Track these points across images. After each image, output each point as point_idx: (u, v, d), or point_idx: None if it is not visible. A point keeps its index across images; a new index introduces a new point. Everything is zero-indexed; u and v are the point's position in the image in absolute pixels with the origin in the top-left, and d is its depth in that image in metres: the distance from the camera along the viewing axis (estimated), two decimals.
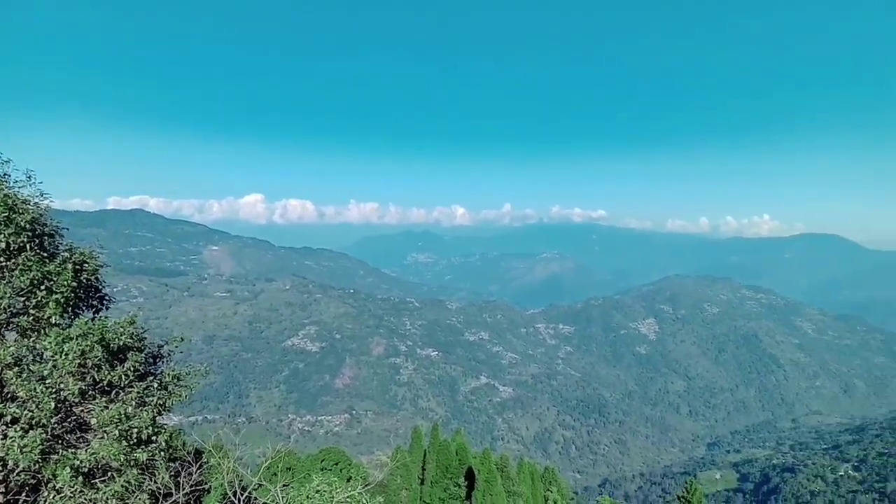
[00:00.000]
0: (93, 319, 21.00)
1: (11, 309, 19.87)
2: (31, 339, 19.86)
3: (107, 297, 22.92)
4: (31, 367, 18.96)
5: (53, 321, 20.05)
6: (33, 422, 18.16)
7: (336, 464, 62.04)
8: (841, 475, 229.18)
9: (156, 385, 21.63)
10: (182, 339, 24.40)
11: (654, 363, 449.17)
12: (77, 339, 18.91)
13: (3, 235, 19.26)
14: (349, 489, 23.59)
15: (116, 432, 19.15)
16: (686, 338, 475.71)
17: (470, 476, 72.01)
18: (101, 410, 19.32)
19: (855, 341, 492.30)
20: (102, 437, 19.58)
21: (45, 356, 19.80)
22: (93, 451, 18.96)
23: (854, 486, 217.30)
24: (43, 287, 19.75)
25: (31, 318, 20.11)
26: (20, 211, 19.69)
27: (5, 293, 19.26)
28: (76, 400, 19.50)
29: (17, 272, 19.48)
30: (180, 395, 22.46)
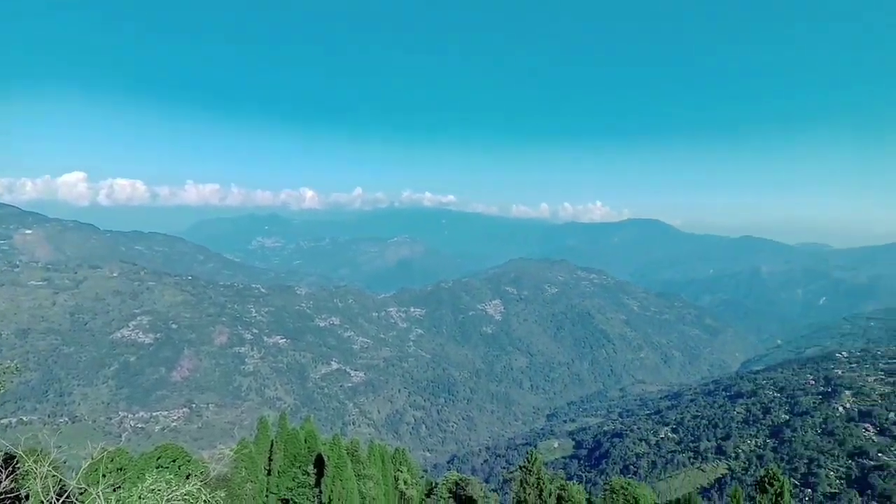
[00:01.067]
0: None
1: None
2: None
3: None
4: None
5: None
6: None
7: (174, 461, 54.44)
8: (662, 437, 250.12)
9: None
10: None
11: (499, 342, 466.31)
12: None
13: None
14: (187, 485, 21.89)
15: None
16: (529, 317, 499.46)
17: (320, 463, 70.32)
18: None
19: (673, 316, 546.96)
20: None
21: None
22: None
23: (672, 446, 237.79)
24: None
25: None
26: None
27: None
28: None
29: None
30: None
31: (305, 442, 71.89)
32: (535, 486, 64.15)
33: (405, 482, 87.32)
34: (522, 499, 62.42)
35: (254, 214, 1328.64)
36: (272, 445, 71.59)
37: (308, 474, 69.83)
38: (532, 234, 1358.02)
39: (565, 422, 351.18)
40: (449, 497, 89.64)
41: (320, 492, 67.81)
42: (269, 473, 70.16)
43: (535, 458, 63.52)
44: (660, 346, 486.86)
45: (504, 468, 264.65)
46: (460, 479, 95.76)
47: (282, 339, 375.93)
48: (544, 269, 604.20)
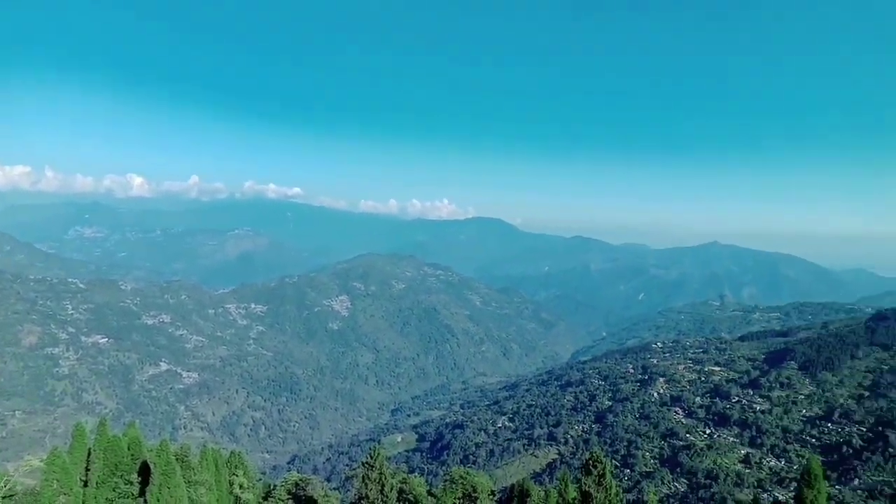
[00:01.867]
0: None
1: None
2: None
3: None
4: None
5: None
6: None
7: None
8: (499, 426, 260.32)
9: None
10: None
11: (346, 338, 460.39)
12: None
13: None
14: None
15: None
16: (376, 313, 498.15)
17: (145, 471, 64.23)
18: None
19: (512, 311, 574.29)
20: None
21: None
22: None
23: (509, 434, 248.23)
24: None
25: None
26: None
27: None
28: None
29: None
30: None
31: (129, 449, 65.16)
32: (378, 481, 63.08)
33: (241, 486, 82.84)
34: (364, 495, 61.20)
35: (72, 202, 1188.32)
36: (89, 454, 63.90)
37: (131, 483, 63.60)
38: (380, 229, 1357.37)
39: (409, 416, 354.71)
40: (288, 498, 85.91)
41: (145, 501, 61.70)
42: (85, 485, 62.77)
43: (378, 454, 62.82)
44: (500, 340, 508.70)
45: (347, 466, 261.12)
46: (300, 480, 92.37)
47: (103, 338, 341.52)
48: (392, 264, 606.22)
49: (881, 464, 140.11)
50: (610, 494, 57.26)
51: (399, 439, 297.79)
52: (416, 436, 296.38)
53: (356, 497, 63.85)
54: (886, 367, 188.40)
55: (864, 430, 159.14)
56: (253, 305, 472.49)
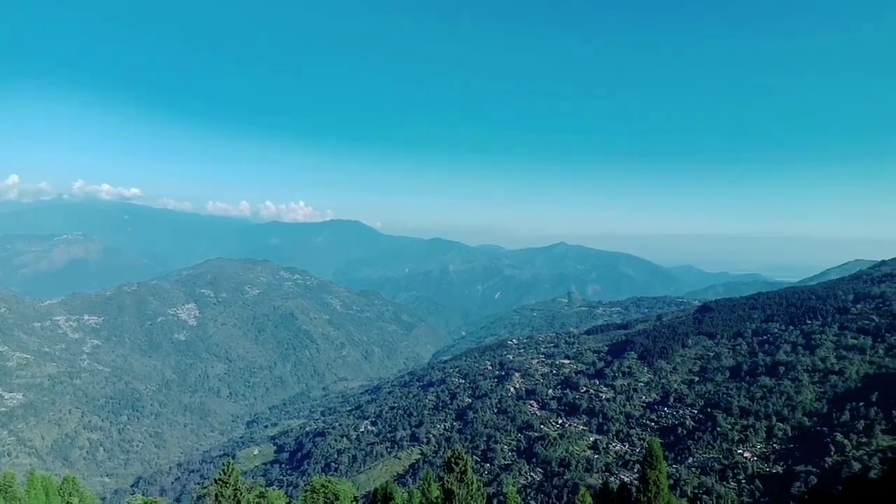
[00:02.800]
0: None
1: None
2: None
3: None
4: None
5: None
6: None
7: None
8: (362, 431, 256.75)
9: None
10: None
11: (194, 349, 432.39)
12: None
13: None
14: None
15: None
16: (227, 321, 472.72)
17: None
18: None
19: (373, 313, 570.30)
20: None
21: None
22: None
23: (372, 438, 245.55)
24: None
25: None
26: None
27: None
28: None
29: None
30: None
31: None
32: (232, 498, 58.93)
33: None
34: None
35: None
36: None
37: None
38: (232, 233, 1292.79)
39: (266, 427, 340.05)
40: None
41: None
42: None
43: (231, 469, 59.46)
44: (361, 343, 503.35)
45: (198, 484, 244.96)
46: (146, 502, 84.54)
47: None
48: (245, 269, 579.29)
49: (711, 442, 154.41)
50: (472, 490, 57.63)
51: (256, 452, 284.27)
52: (275, 447, 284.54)
53: None
54: (712, 354, 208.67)
55: (696, 412, 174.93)
56: (86, 317, 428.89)
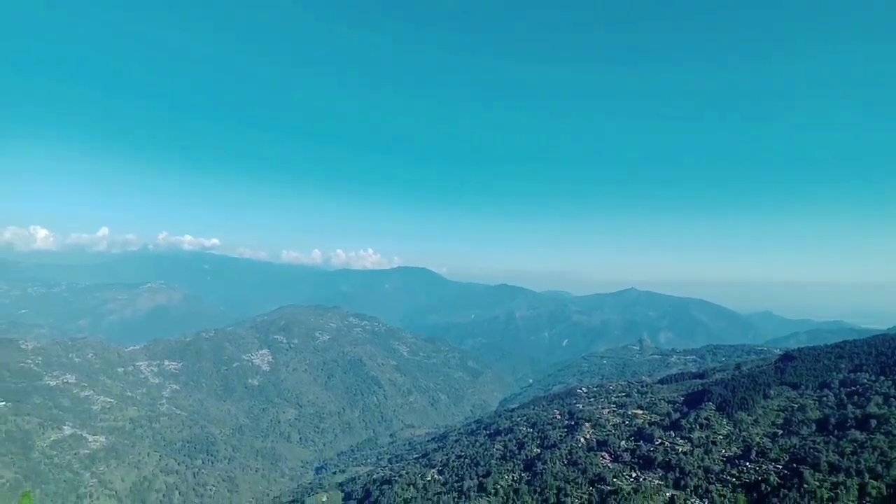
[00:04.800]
0: None
1: None
2: None
3: None
4: None
5: None
6: None
7: None
8: (429, 480, 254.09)
9: None
10: None
11: (266, 394, 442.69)
12: None
13: None
14: None
15: None
16: (298, 366, 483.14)
17: None
18: None
19: (439, 360, 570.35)
20: None
21: None
22: None
23: (438, 487, 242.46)
24: None
25: None
26: None
27: None
28: None
29: None
30: None
31: None
32: None
33: None
34: None
35: None
36: None
37: None
38: (304, 280, 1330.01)
39: (335, 473, 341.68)
40: None
41: None
42: None
43: None
44: (427, 390, 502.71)
45: None
46: None
47: (0, 402, 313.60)
48: (316, 315, 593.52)
49: (798, 500, 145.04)
50: None
51: (324, 498, 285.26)
52: (342, 493, 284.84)
53: None
54: (796, 406, 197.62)
55: (780, 467, 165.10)
56: (166, 362, 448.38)
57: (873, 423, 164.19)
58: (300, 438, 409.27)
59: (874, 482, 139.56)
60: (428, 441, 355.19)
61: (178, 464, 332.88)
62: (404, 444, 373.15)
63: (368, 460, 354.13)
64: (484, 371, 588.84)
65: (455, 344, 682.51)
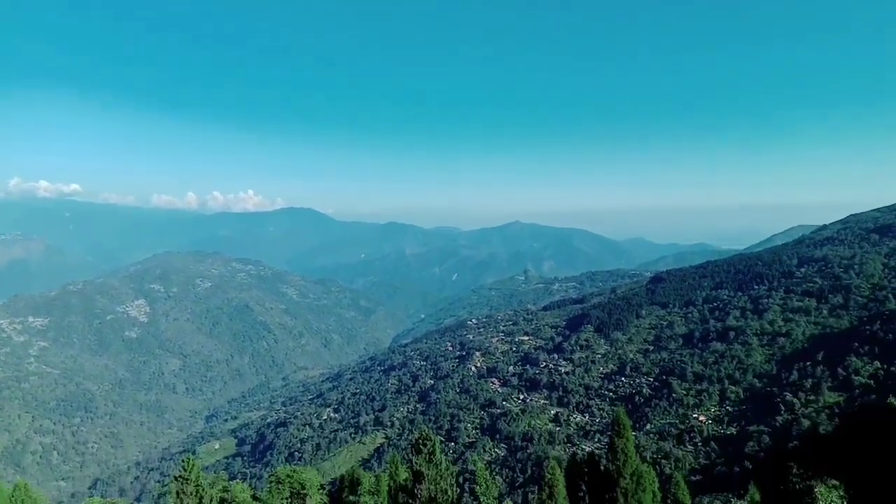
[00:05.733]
0: None
1: None
2: None
3: None
4: None
5: None
6: None
7: None
8: (325, 419, 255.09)
9: None
10: None
11: (147, 346, 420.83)
12: None
13: None
14: None
15: None
16: (180, 316, 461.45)
17: None
18: None
19: (330, 301, 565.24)
20: None
21: None
22: None
23: (335, 425, 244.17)
24: None
25: None
26: None
27: None
28: None
29: None
30: None
31: None
32: (194, 494, 57.40)
33: None
34: None
35: None
36: None
37: None
38: (179, 226, 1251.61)
39: (226, 420, 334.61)
40: None
41: None
42: None
43: (192, 465, 57.95)
44: (320, 331, 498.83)
45: (158, 482, 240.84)
46: None
47: None
48: (195, 262, 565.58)
49: (667, 408, 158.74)
50: (441, 470, 57.39)
51: (217, 446, 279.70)
52: (236, 440, 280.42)
53: None
54: (665, 323, 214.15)
55: (652, 379, 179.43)
56: (31, 319, 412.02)
57: (732, 334, 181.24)
58: (187, 389, 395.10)
59: (733, 387, 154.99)
60: (322, 381, 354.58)
61: (55, 423, 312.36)
62: (298, 387, 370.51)
63: (261, 405, 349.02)
64: (376, 309, 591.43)
65: (346, 284, 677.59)
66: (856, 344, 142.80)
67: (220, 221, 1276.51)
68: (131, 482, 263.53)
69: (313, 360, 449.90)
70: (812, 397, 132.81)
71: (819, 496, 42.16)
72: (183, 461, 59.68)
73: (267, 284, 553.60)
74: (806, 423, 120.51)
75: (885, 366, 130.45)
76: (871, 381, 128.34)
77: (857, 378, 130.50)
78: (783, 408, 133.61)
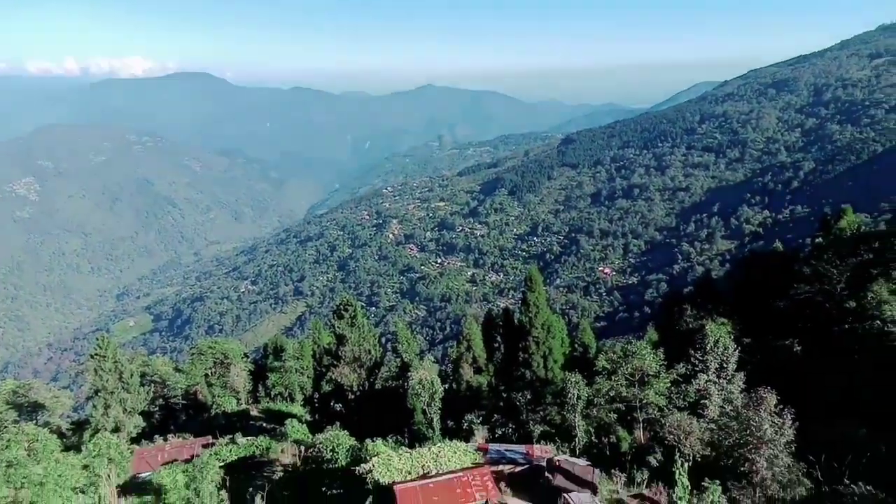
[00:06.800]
0: None
1: None
2: None
3: None
4: None
5: None
6: None
7: None
8: (243, 291, 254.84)
9: None
10: None
11: (42, 226, 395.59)
12: None
13: None
14: None
15: None
16: (75, 193, 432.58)
17: None
18: None
19: (238, 173, 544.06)
20: None
21: None
22: None
23: (254, 297, 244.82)
24: None
25: None
26: None
27: None
28: None
29: None
30: None
31: None
32: (113, 370, 57.41)
33: None
34: (101, 387, 55.76)
35: None
36: None
37: None
38: (61, 95, 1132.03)
39: (139, 298, 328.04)
40: (7, 408, 73.34)
41: None
42: None
43: (107, 342, 57.62)
44: (229, 205, 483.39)
45: (74, 361, 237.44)
46: (19, 387, 79.35)
47: None
48: (85, 135, 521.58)
49: (575, 263, 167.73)
50: (363, 332, 59.30)
51: (132, 324, 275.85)
52: (151, 317, 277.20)
53: (92, 391, 58.03)
54: (575, 183, 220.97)
55: (562, 237, 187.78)
56: None
57: (636, 191, 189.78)
58: (92, 268, 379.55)
59: (636, 241, 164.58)
60: (237, 255, 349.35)
61: None
62: (211, 262, 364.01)
63: (174, 281, 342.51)
64: (287, 180, 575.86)
65: (253, 155, 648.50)
66: (748, 195, 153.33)
67: (106, 89, 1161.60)
68: (45, 363, 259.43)
69: (225, 235, 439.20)
70: (706, 246, 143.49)
71: (709, 333, 45.91)
72: (97, 339, 58.65)
73: (167, 157, 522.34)
74: (700, 269, 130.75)
75: (773, 214, 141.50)
76: (760, 229, 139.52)
77: (747, 226, 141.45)
78: (680, 257, 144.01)
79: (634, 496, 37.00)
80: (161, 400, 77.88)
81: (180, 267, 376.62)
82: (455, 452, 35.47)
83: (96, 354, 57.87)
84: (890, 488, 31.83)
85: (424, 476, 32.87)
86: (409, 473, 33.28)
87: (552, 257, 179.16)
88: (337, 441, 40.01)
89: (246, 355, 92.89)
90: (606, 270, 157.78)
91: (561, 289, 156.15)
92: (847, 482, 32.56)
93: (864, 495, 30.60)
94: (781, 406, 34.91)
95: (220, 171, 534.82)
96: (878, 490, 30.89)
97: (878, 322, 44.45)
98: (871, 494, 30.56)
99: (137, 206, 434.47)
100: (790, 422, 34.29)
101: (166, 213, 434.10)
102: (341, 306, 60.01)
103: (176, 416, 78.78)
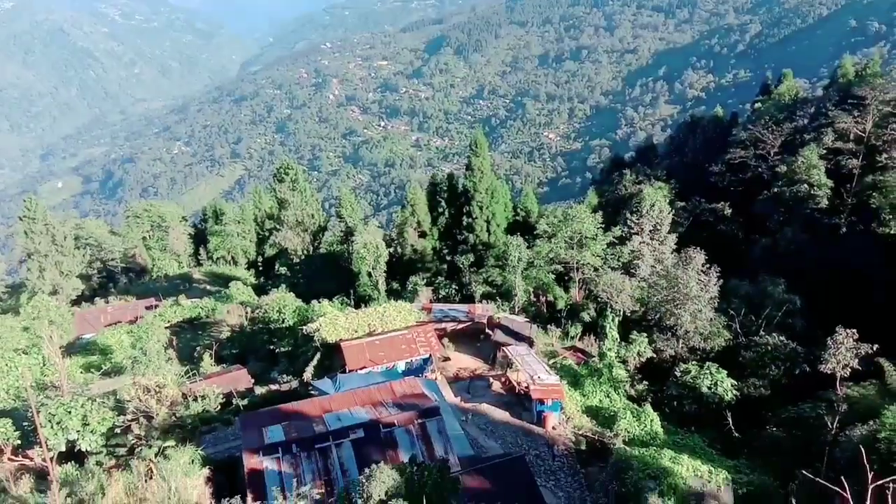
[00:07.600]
0: None
1: None
2: None
3: None
4: None
5: None
6: None
7: None
8: (176, 153, 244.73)
9: None
10: None
11: None
12: None
13: None
14: None
15: None
16: None
17: None
18: None
19: (162, 23, 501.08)
20: None
21: None
22: None
23: (189, 159, 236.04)
24: None
25: None
26: None
27: None
28: None
29: None
30: None
31: None
32: (45, 232, 57.12)
33: None
34: (34, 250, 56.24)
35: None
36: None
37: None
38: None
39: (65, 158, 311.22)
40: None
41: None
42: None
43: (36, 204, 58.55)
44: (154, 58, 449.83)
45: (2, 224, 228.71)
46: None
47: None
48: None
49: (521, 128, 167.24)
50: (305, 196, 58.98)
51: (60, 185, 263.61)
52: (81, 178, 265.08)
53: (25, 255, 59.80)
54: (523, 43, 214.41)
55: (508, 101, 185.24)
56: None
57: (584, 53, 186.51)
58: (10, 126, 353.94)
59: (581, 105, 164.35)
60: (167, 114, 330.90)
61: None
62: (140, 120, 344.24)
63: (102, 141, 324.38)
64: (217, 32, 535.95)
65: (178, 4, 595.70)
66: (694, 58, 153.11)
67: None
68: None
69: (152, 91, 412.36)
70: (650, 111, 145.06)
71: (646, 196, 47.56)
72: (24, 202, 57.53)
73: (81, 3, 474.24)
74: (643, 135, 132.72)
75: (717, 79, 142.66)
76: (703, 94, 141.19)
77: (691, 91, 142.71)
78: (624, 122, 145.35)
79: (567, 348, 40.04)
80: (99, 263, 77.11)
81: (106, 126, 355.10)
82: (400, 312, 37.18)
83: (25, 217, 56.71)
84: (801, 338, 35.24)
85: (371, 334, 34.45)
86: (356, 332, 34.93)
87: (498, 122, 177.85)
88: (283, 302, 41.05)
89: (185, 219, 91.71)
90: (551, 135, 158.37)
91: (506, 154, 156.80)
92: (762, 334, 35.73)
93: (776, 345, 33.86)
94: (708, 265, 37.32)
95: (143, 20, 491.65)
96: (791, 340, 34.24)
97: (806, 186, 46.88)
98: (783, 344, 33.81)
99: (53, 58, 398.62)
100: (715, 279, 36.88)
101: (86, 67, 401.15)
102: (282, 170, 59.09)
103: (116, 279, 78.46)
